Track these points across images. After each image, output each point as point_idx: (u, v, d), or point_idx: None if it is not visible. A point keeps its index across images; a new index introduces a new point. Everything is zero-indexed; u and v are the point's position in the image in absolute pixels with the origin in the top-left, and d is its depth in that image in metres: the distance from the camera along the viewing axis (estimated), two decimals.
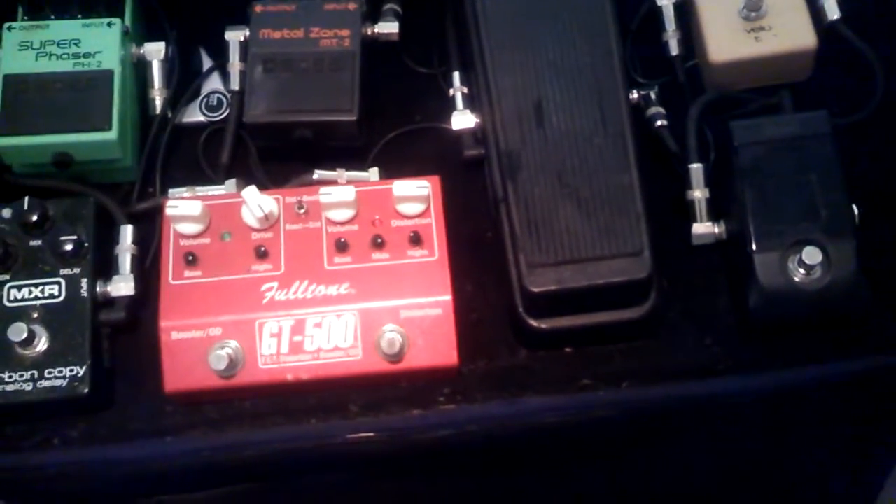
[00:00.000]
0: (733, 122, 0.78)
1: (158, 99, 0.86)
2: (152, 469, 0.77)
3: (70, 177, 0.82)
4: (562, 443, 0.81)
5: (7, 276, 0.76)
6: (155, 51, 0.85)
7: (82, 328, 0.75)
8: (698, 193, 0.79)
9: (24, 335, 0.73)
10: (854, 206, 0.75)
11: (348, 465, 0.81)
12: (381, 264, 0.76)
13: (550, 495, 0.87)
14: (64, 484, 0.78)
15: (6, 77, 0.80)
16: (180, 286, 0.75)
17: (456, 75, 0.84)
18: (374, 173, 0.82)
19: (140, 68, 0.86)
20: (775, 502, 0.91)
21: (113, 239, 0.79)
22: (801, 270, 0.74)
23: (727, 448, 0.85)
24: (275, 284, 0.75)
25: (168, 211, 0.76)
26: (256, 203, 0.75)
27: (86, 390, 0.74)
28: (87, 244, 0.77)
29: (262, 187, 0.78)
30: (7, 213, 0.78)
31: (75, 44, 0.81)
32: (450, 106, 0.83)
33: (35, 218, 0.77)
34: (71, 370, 0.74)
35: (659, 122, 0.83)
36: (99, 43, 0.81)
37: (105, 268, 0.78)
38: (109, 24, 0.82)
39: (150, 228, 0.81)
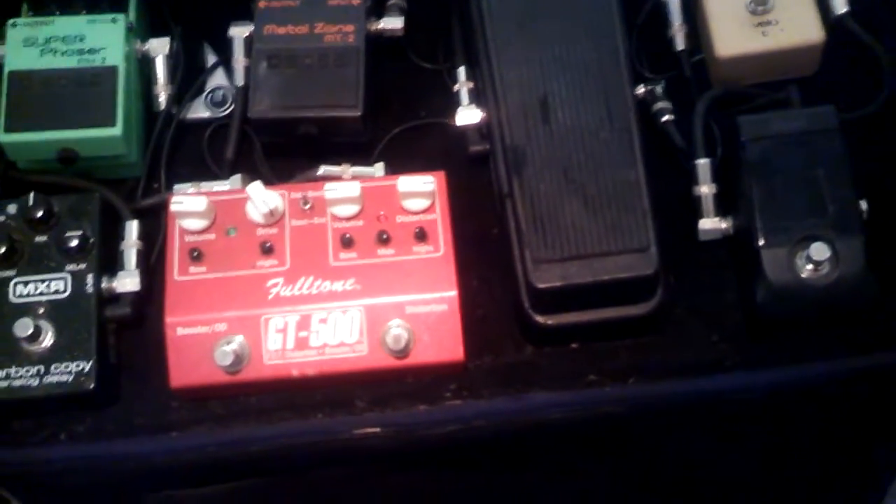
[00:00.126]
0: (740, 116, 0.78)
1: (163, 95, 0.86)
2: (158, 464, 0.77)
3: (75, 173, 0.82)
4: (567, 439, 0.81)
5: (13, 272, 0.76)
6: (159, 47, 0.85)
7: (88, 324, 0.75)
8: (705, 189, 0.79)
9: (30, 331, 0.73)
10: (862, 202, 0.75)
11: (354, 461, 0.81)
12: (386, 260, 0.76)
13: (556, 491, 0.87)
14: (70, 479, 0.78)
15: (11, 73, 0.80)
16: (186, 282, 0.75)
17: (461, 71, 0.84)
18: (379, 169, 0.82)
19: (144, 64, 0.86)
20: (780, 500, 0.90)
21: (118, 235, 0.79)
22: (809, 266, 0.73)
23: (733, 445, 0.85)
24: (280, 280, 0.75)
25: (173, 207, 0.76)
26: (261, 199, 0.75)
27: (92, 386, 0.74)
28: (92, 240, 0.77)
29: (267, 183, 0.78)
30: (12, 208, 0.78)
31: (80, 40, 0.81)
32: (455, 101, 0.83)
33: (40, 214, 0.77)
34: (77, 366, 0.74)
35: (665, 117, 0.82)
36: (103, 39, 0.81)
37: (110, 263, 0.78)
38: (114, 20, 0.82)
39: (156, 224, 0.81)
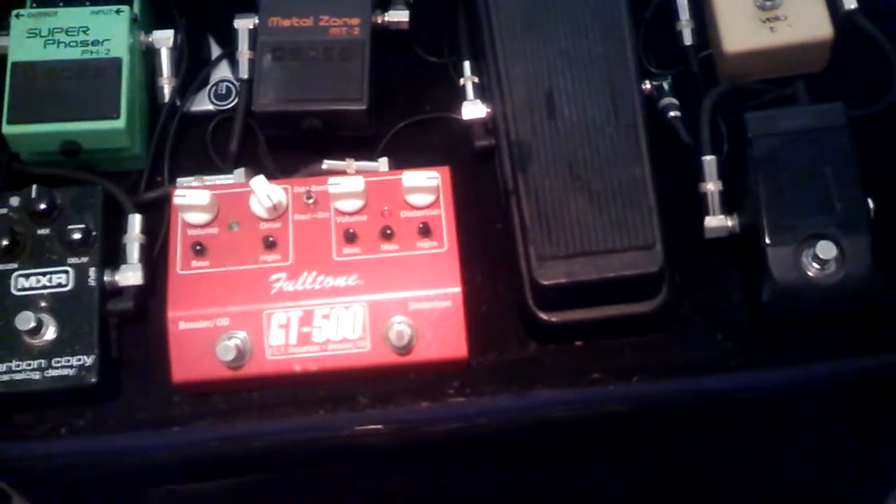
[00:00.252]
0: (747, 113, 0.77)
1: (167, 87, 0.85)
2: (159, 459, 0.77)
3: (78, 165, 0.82)
4: (571, 436, 0.81)
5: (15, 265, 0.76)
6: (163, 39, 0.85)
7: (90, 317, 0.75)
8: (711, 186, 0.78)
9: (32, 324, 0.73)
10: (869, 200, 0.74)
11: (356, 457, 0.81)
12: (389, 255, 0.76)
13: (559, 489, 0.86)
14: (71, 473, 0.78)
15: (14, 65, 0.80)
16: (188, 276, 0.75)
17: (466, 65, 0.84)
18: (383, 163, 0.81)
19: (148, 56, 0.85)
20: (784, 500, 0.90)
21: (121, 228, 0.79)
22: (815, 265, 0.73)
23: (737, 443, 0.84)
24: (283, 275, 0.75)
25: (176, 200, 0.76)
26: (265, 193, 0.75)
27: (93, 380, 0.74)
28: (94, 233, 0.77)
29: (271, 177, 0.78)
30: (15, 201, 0.78)
31: (84, 31, 0.81)
32: (460, 96, 0.83)
33: (43, 206, 0.77)
34: (79, 359, 0.74)
35: (672, 113, 0.82)
36: (107, 30, 0.81)
37: (113, 257, 0.78)
38: (118, 12, 0.82)
39: (159, 217, 0.81)
